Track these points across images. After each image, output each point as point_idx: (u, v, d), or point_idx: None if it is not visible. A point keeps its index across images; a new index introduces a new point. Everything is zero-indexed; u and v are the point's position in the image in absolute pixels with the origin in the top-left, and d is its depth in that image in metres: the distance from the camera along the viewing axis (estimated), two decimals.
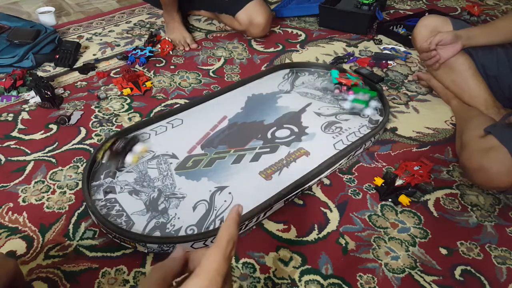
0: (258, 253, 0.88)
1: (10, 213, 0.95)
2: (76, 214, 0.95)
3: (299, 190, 0.99)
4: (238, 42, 1.72)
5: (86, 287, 0.80)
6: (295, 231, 0.93)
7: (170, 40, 1.64)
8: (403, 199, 1.00)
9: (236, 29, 1.75)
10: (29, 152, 1.13)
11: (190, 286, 0.35)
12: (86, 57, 1.59)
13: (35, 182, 1.03)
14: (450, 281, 0.84)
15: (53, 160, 1.10)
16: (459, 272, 0.86)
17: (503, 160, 0.93)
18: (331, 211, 0.99)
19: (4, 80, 1.36)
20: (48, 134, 1.19)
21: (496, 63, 1.21)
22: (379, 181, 1.05)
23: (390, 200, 1.01)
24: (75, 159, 1.10)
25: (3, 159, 1.10)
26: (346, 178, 1.08)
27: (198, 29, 1.83)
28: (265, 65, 1.57)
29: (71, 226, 0.92)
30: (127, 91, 1.36)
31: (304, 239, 0.92)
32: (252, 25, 1.67)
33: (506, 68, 1.20)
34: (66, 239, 0.89)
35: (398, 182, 1.02)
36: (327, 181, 1.07)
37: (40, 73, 1.45)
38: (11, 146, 1.15)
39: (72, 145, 1.16)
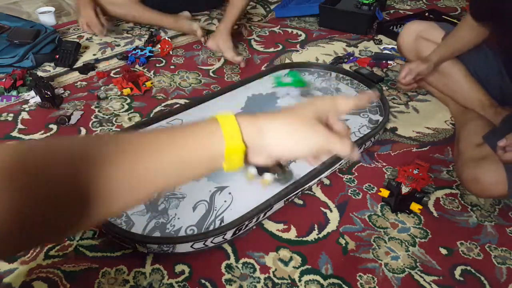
0: (258, 253, 0.88)
1: None
2: None
3: (299, 190, 0.99)
4: (238, 42, 1.72)
5: (86, 287, 0.80)
6: (295, 231, 0.93)
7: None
8: (414, 207, 0.98)
9: None
10: None
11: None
12: (86, 57, 1.59)
13: None
14: (450, 281, 0.85)
15: None
16: (459, 272, 0.86)
17: (496, 170, 0.92)
18: (331, 211, 0.99)
19: (4, 80, 1.36)
20: (48, 134, 1.19)
21: (485, 65, 1.20)
22: (385, 192, 1.02)
23: (406, 212, 0.98)
24: None
25: None
26: (346, 178, 1.08)
27: None
28: (265, 65, 1.57)
29: None
30: (127, 91, 1.36)
31: (304, 239, 0.92)
32: None
33: (495, 69, 1.18)
34: (66, 239, 0.89)
35: (404, 190, 1.02)
36: (327, 181, 1.07)
37: (40, 73, 1.45)
38: None
39: None
